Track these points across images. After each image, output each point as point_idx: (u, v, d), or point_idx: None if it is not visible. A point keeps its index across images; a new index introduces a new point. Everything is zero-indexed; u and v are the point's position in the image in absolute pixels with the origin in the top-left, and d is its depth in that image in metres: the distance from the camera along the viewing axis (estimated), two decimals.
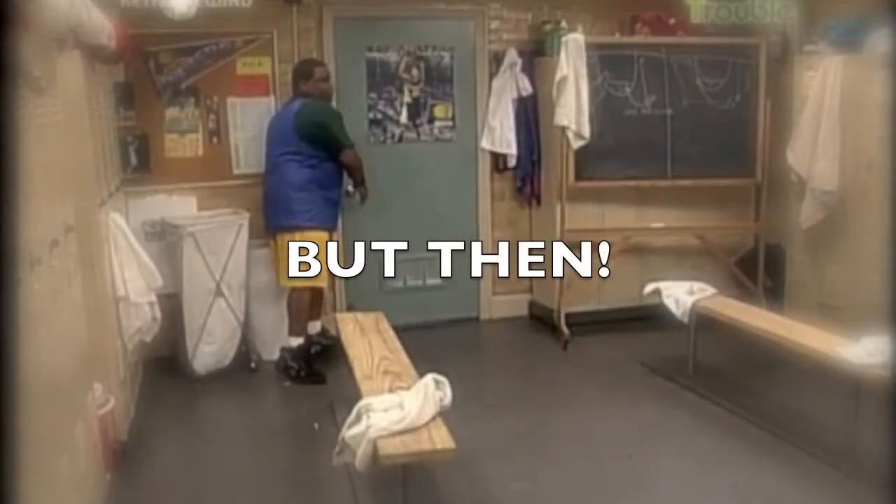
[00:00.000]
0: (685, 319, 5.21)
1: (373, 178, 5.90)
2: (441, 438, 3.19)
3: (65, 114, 3.44)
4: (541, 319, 6.53)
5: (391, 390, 3.60)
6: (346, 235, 5.59)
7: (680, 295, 5.27)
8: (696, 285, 5.33)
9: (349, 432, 3.25)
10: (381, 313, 4.87)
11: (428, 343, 5.25)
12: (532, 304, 6.73)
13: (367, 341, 4.39)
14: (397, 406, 3.32)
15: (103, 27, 4.10)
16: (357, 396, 3.56)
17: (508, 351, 6.29)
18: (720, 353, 5.54)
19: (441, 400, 3.38)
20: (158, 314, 4.59)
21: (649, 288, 5.45)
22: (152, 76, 5.71)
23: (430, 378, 3.45)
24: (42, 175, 2.88)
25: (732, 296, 5.63)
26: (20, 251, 2.41)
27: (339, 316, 5.04)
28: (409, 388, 3.51)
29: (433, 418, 3.30)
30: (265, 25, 5.81)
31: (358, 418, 3.29)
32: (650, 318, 5.76)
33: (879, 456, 3.53)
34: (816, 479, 3.95)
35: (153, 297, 4.53)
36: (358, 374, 3.93)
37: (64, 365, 3.16)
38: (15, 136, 2.37)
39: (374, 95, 6.22)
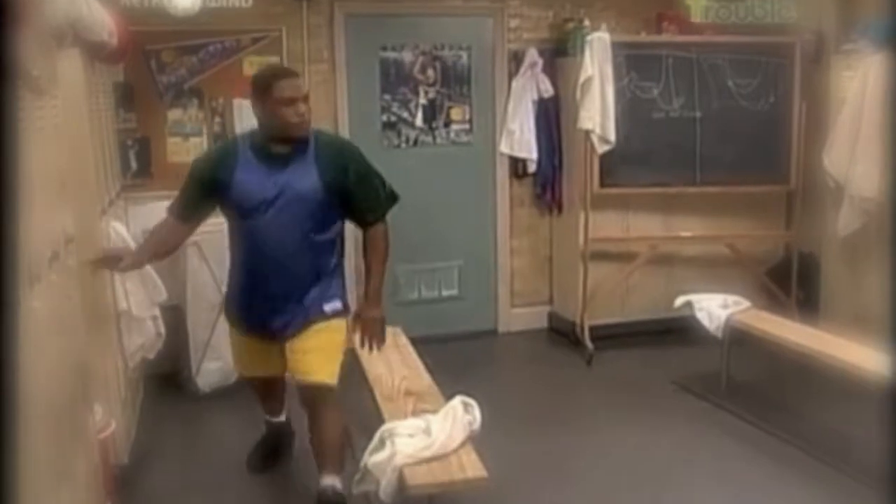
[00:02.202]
0: (719, 334, 5.08)
1: None
2: (472, 466, 3.08)
3: (64, 116, 3.29)
4: (561, 333, 6.42)
5: (415, 413, 3.48)
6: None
7: (713, 308, 5.15)
8: (731, 298, 5.21)
9: (372, 459, 3.13)
10: (398, 328, 4.71)
11: (443, 358, 5.06)
12: (552, 317, 6.62)
13: (385, 359, 4.24)
14: (424, 431, 3.21)
15: (104, 23, 3.98)
16: (378, 419, 3.44)
17: (529, 367, 6.15)
18: (754, 369, 5.40)
19: (470, 424, 3.28)
20: (162, 329, 4.48)
21: (680, 301, 5.33)
22: (154, 76, 5.61)
23: (458, 401, 3.36)
24: (41, 183, 2.73)
25: (763, 307, 5.50)
26: (20, 268, 2.26)
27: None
28: (434, 411, 3.38)
29: (462, 444, 3.18)
30: (273, 23, 5.71)
31: (381, 444, 3.17)
32: (677, 331, 5.65)
33: None
34: None
35: (156, 312, 4.41)
36: (378, 395, 3.80)
37: (63, 387, 3.01)
38: (15, 141, 2.22)
39: (387, 97, 6.12)
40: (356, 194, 3.65)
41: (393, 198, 3.80)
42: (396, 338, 4.59)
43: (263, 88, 3.58)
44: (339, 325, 3.73)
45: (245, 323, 3.82)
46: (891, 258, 4.25)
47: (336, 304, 3.71)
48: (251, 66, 5.69)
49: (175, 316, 5.14)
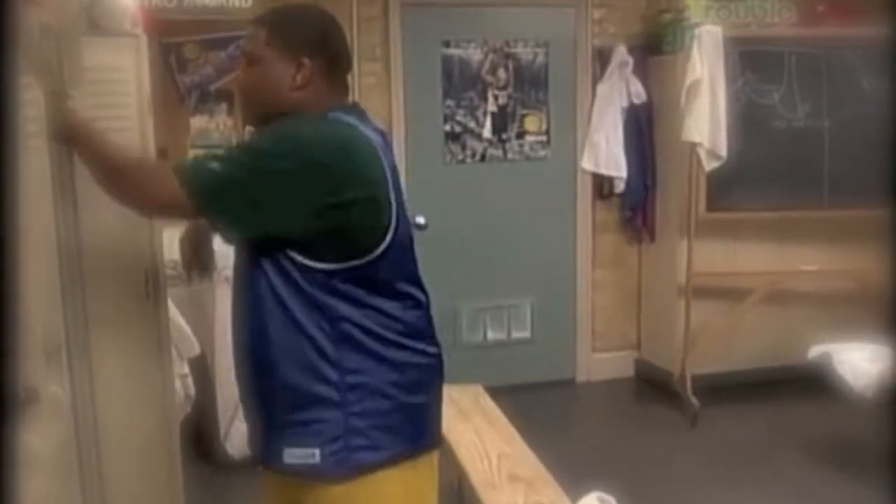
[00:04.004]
0: (868, 394, 4.52)
1: (449, 205, 5.55)
2: None
3: None
4: (653, 383, 6.00)
5: None
6: None
7: (859, 362, 4.59)
8: (883, 350, 4.63)
9: None
10: (480, 387, 4.26)
11: (514, 413, 4.58)
12: (639, 364, 6.22)
13: (472, 429, 3.79)
14: None
15: (126, 9, 3.51)
16: None
17: (619, 426, 5.65)
18: None
19: None
20: (193, 391, 4.02)
21: (815, 351, 4.77)
22: (173, 75, 5.34)
23: (594, 498, 2.89)
24: None
25: None
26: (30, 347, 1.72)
27: None
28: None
29: None
30: None
31: None
32: (797, 382, 5.22)
33: None
34: None
35: (186, 369, 3.94)
36: (474, 479, 3.33)
37: None
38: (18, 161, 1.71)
39: (451, 103, 5.79)
40: None
41: (199, 182, 2.00)
42: (480, 399, 4.14)
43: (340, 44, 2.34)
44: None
45: None
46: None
47: (310, 455, 2.08)
48: None
49: (199, 367, 4.64)
